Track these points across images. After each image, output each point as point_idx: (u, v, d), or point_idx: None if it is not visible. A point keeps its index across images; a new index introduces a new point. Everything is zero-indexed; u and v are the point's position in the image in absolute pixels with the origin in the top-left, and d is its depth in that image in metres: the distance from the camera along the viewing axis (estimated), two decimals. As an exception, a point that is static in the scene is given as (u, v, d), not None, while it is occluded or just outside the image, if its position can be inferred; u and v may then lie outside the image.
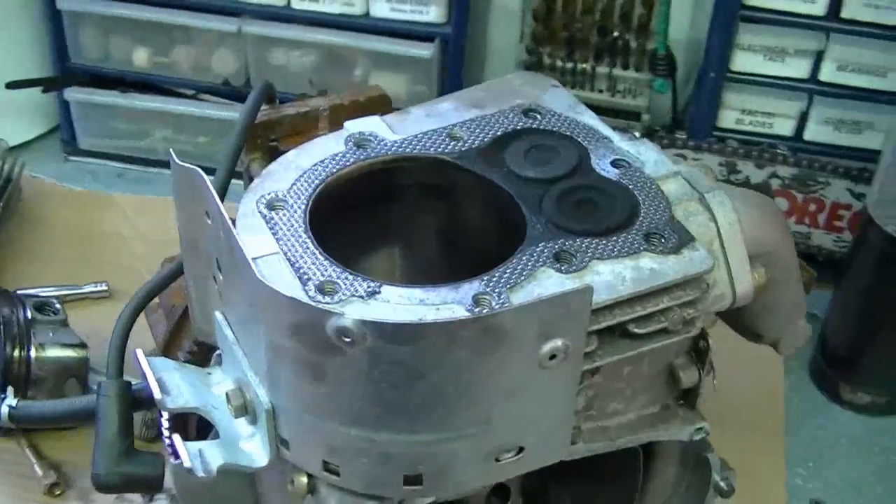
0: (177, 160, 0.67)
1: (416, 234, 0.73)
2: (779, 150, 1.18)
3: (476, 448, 0.62)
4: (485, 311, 0.58)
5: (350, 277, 0.60)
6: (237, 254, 0.60)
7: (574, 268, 0.62)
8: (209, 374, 0.70)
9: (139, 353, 0.71)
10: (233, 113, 1.29)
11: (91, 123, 1.33)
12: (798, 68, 1.16)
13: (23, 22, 1.30)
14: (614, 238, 0.64)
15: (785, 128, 1.18)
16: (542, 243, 0.63)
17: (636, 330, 0.65)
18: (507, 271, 0.61)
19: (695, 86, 1.24)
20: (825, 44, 1.14)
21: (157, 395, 0.67)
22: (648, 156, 0.71)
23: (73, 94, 1.30)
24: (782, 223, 0.73)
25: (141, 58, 1.28)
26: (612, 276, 0.62)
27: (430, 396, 0.59)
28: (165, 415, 0.69)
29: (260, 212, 0.65)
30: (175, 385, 0.68)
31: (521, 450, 0.64)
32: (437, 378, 0.58)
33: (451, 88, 1.15)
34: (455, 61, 1.23)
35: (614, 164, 0.70)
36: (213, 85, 1.29)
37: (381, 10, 1.20)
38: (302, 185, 0.66)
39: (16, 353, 0.95)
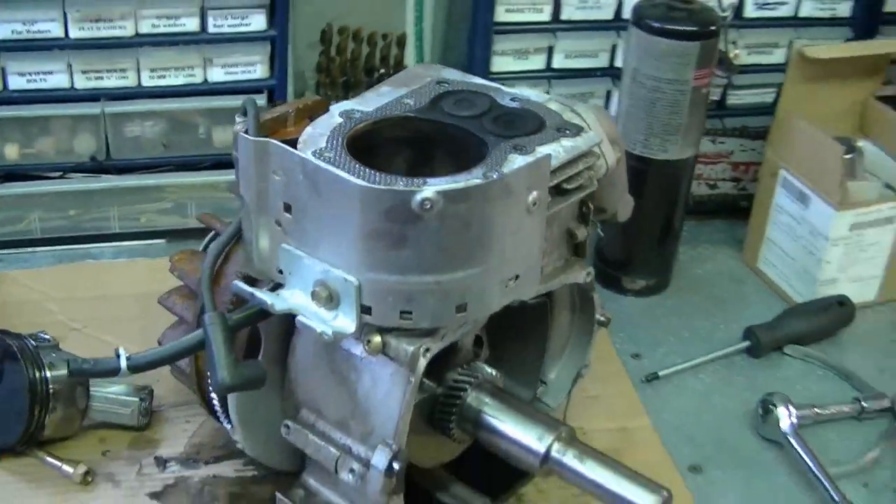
0: (247, 137, 0.95)
1: (399, 166, 1.05)
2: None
3: (496, 276, 0.94)
4: (502, 175, 0.92)
5: (403, 178, 0.91)
6: (329, 177, 0.90)
7: (529, 152, 0.96)
8: (280, 295, 0.99)
9: (240, 285, 0.99)
10: (99, 184, 1.53)
11: (-32, 217, 1.51)
12: (537, 62, 1.55)
13: None
14: (540, 134, 1.00)
15: (535, 108, 1.59)
16: (502, 143, 0.98)
17: (567, 186, 1.01)
18: (491, 160, 0.96)
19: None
20: (554, 41, 1.54)
21: (268, 300, 0.96)
22: (529, 93, 1.08)
23: (-48, 190, 1.49)
24: (615, 122, 1.12)
25: (11, 152, 1.49)
26: (553, 151, 0.98)
27: (474, 240, 0.90)
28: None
29: (319, 160, 0.94)
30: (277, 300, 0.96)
31: (517, 277, 0.98)
32: (477, 226, 0.90)
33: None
34: (280, 105, 1.54)
35: (513, 100, 1.06)
36: (79, 163, 1.52)
37: (217, 76, 1.50)
38: (332, 141, 0.97)
39: (36, 374, 1.16)
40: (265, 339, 1.04)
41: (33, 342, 1.18)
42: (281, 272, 0.98)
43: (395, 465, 0.97)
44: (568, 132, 1.00)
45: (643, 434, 1.28)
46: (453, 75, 1.10)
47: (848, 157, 1.46)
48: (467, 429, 1.05)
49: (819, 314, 1.46)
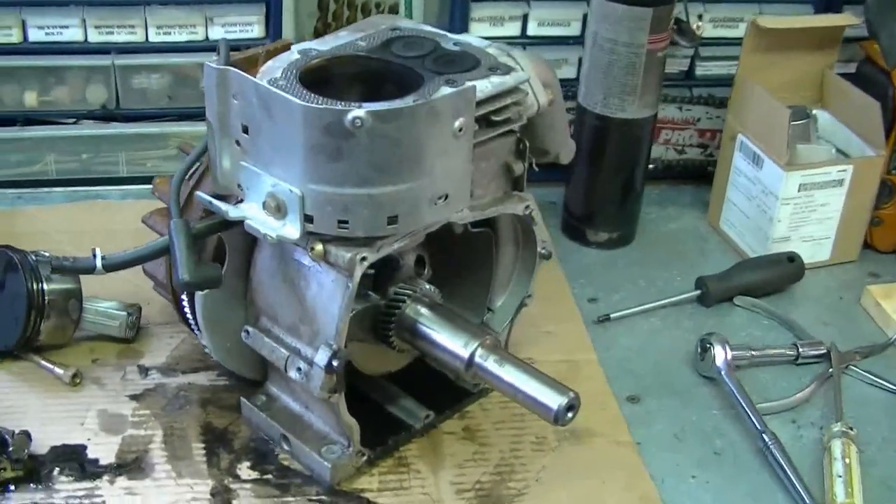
0: (211, 65, 1.08)
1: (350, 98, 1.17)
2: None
3: (425, 193, 1.05)
4: (427, 99, 1.04)
5: (343, 101, 1.04)
6: (278, 100, 1.02)
7: (459, 85, 1.08)
8: (239, 206, 1.12)
9: (201, 194, 1.12)
10: (110, 130, 1.67)
11: (-11, 158, 1.65)
12: (513, 29, 1.66)
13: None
14: (473, 72, 1.12)
15: (512, 73, 1.71)
16: (437, 78, 1.10)
17: (494, 118, 1.12)
18: (424, 90, 1.08)
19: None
20: (528, 10, 1.66)
21: (224, 208, 1.09)
22: (472, 39, 1.20)
23: (-25, 132, 1.63)
24: (552, 69, 1.23)
25: (30, 98, 1.64)
26: (481, 85, 1.09)
27: (403, 157, 1.02)
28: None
29: (269, 85, 1.07)
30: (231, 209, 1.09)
31: (447, 197, 1.10)
32: (406, 144, 1.01)
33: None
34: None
35: (455, 44, 1.18)
36: (91, 111, 1.66)
37: (217, 34, 1.63)
38: (287, 73, 1.09)
39: (34, 286, 1.29)
40: (229, 252, 1.17)
41: (34, 257, 1.31)
42: (241, 188, 1.10)
43: (334, 363, 1.09)
44: (499, 71, 1.12)
45: (588, 367, 1.39)
46: (407, 24, 1.22)
47: (800, 122, 1.56)
48: (405, 337, 1.17)
49: (768, 268, 1.56)
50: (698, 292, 1.52)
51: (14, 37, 1.59)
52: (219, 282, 1.10)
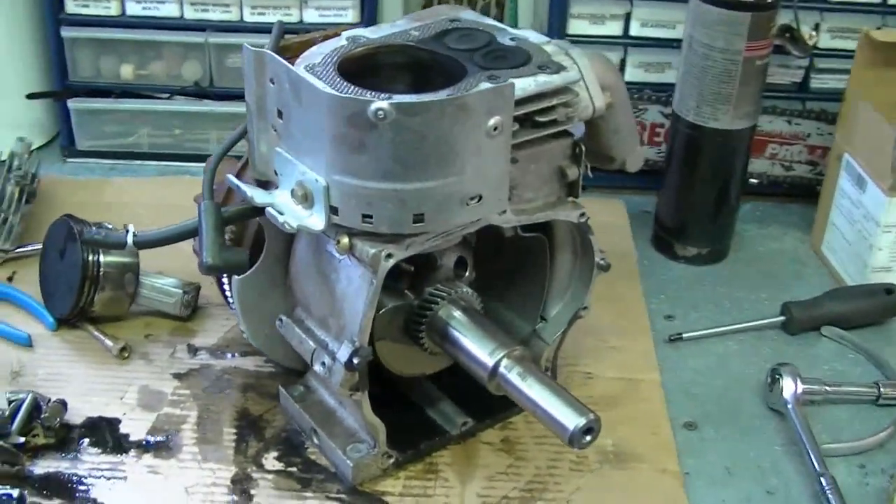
0: (249, 47, 1.06)
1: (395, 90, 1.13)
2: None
3: (456, 192, 1.01)
4: (458, 94, 1.00)
5: (374, 92, 1.00)
6: (306, 86, 1.00)
7: (500, 81, 1.04)
8: (271, 192, 1.09)
9: (230, 177, 1.10)
10: (202, 107, 1.68)
11: (87, 128, 1.67)
12: (614, 28, 1.59)
13: (30, 47, 1.66)
14: (520, 69, 1.07)
15: (611, 73, 1.63)
16: (480, 73, 1.05)
17: (539, 119, 1.07)
18: (462, 85, 1.03)
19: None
20: (630, 8, 1.58)
21: (249, 192, 1.07)
22: (531, 34, 1.14)
23: (75, 103, 1.67)
24: (616, 70, 1.16)
25: (126, 71, 1.66)
26: (523, 83, 1.03)
27: (429, 153, 0.97)
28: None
29: (306, 72, 1.05)
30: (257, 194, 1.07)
31: (480, 198, 1.05)
32: (432, 139, 0.97)
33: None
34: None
35: (511, 39, 1.13)
36: (185, 87, 1.67)
37: (311, 17, 1.62)
38: (327, 59, 1.07)
39: (90, 257, 1.30)
40: (268, 238, 1.15)
41: (95, 229, 1.32)
42: (276, 174, 1.08)
43: (355, 360, 1.06)
44: (548, 69, 1.06)
45: (648, 388, 1.32)
46: (469, 15, 1.18)
47: (910, 143, 1.44)
48: (435, 339, 1.13)
49: (862, 298, 1.45)
50: (782, 318, 1.43)
51: (113, 9, 1.62)
52: (244, 267, 1.09)
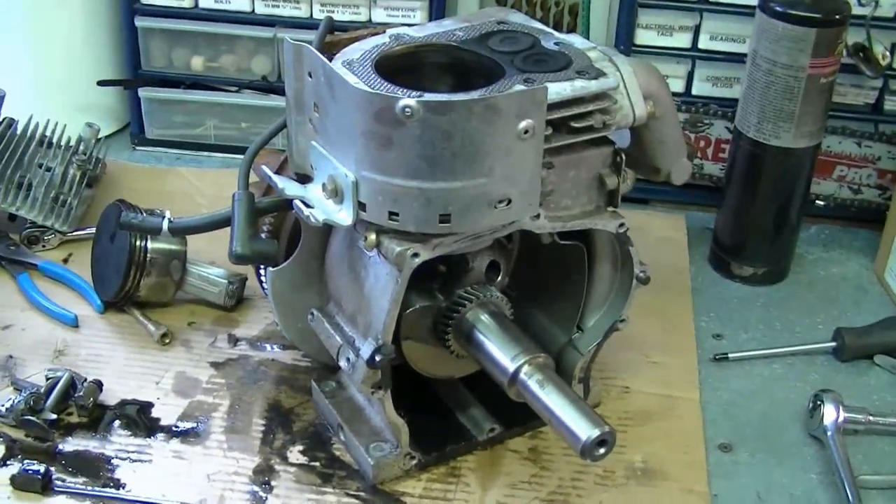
0: (290, 40, 1.07)
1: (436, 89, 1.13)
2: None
3: (483, 194, 1.00)
4: (487, 95, 0.99)
5: (406, 89, 1.00)
6: (338, 81, 1.00)
7: (535, 84, 1.03)
8: (305, 186, 1.10)
9: (263, 167, 1.11)
10: (269, 102, 1.70)
11: (157, 117, 1.71)
12: (682, 40, 1.56)
13: (104, 36, 1.70)
14: (558, 73, 1.06)
15: (677, 86, 1.57)
16: (516, 75, 1.04)
17: (574, 124, 1.05)
18: (497, 86, 1.02)
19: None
20: (700, 21, 1.55)
21: (280, 184, 1.07)
22: (576, 40, 1.13)
23: (146, 92, 1.70)
24: (663, 80, 1.13)
25: (197, 63, 1.69)
26: (559, 88, 1.02)
27: (456, 153, 0.96)
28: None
29: (343, 67, 1.05)
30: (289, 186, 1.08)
31: (509, 201, 1.04)
32: (460, 139, 0.96)
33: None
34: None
35: (556, 44, 1.12)
36: (253, 81, 1.69)
37: (380, 16, 1.63)
38: (366, 56, 1.07)
39: (137, 242, 1.32)
40: (303, 232, 1.15)
41: (137, 213, 1.34)
42: (312, 168, 1.08)
43: (377, 358, 1.05)
44: (587, 75, 1.05)
45: (686, 406, 1.29)
46: (517, 18, 1.17)
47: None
48: (461, 342, 1.12)
49: (919, 329, 1.40)
50: (833, 344, 1.38)
51: (186, 2, 1.64)
52: (273, 259, 1.09)
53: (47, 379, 1.22)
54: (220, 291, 1.37)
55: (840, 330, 1.39)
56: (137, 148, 1.75)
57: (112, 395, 1.24)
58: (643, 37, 1.56)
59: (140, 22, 1.65)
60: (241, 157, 1.69)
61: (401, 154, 0.97)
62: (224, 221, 1.12)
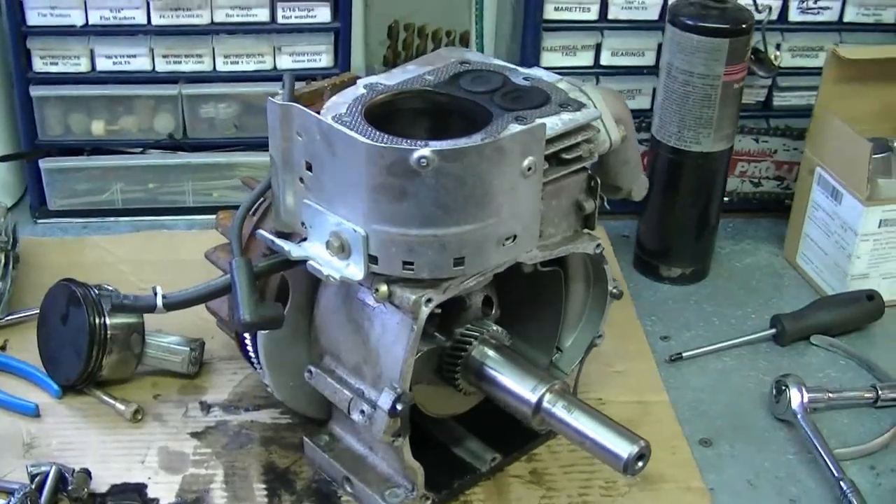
0: (273, 101, 1.06)
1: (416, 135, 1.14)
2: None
3: (493, 234, 1.02)
4: (495, 138, 1.01)
5: (407, 139, 1.01)
6: (341, 137, 1.00)
7: (528, 122, 1.05)
8: (300, 245, 1.09)
9: (262, 233, 1.10)
10: (177, 160, 1.66)
11: (59, 187, 1.64)
12: (585, 58, 1.62)
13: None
14: (543, 108, 1.09)
15: (583, 102, 1.67)
16: (506, 115, 1.07)
17: (565, 156, 1.09)
18: (492, 128, 1.05)
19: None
20: (601, 39, 1.62)
21: (286, 247, 1.07)
22: (542, 73, 1.17)
23: (46, 163, 1.63)
24: (625, 104, 1.20)
25: (98, 127, 1.63)
26: (551, 123, 1.06)
27: (469, 197, 0.98)
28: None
29: (337, 124, 1.05)
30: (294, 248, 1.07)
31: (515, 237, 1.07)
32: (472, 183, 0.98)
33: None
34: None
35: (525, 79, 1.15)
36: (158, 140, 1.65)
37: (285, 63, 1.62)
38: (352, 108, 1.07)
39: (96, 320, 1.28)
40: (293, 290, 1.15)
41: (96, 291, 1.30)
42: (304, 226, 1.08)
43: (398, 406, 1.06)
44: (570, 107, 1.08)
45: (659, 409, 1.35)
46: (476, 57, 1.20)
47: (881, 155, 1.51)
48: (471, 380, 1.14)
49: (846, 306, 1.50)
50: (773, 331, 1.47)
51: (82, 66, 1.59)
52: (280, 322, 1.08)
53: (32, 476, 1.16)
54: (183, 359, 1.34)
55: (777, 317, 1.47)
56: (39, 221, 1.68)
57: (100, 481, 1.19)
58: (549, 59, 1.61)
59: (35, 91, 1.59)
60: (151, 218, 1.70)
61: (415, 204, 0.99)
62: (221, 290, 1.10)
